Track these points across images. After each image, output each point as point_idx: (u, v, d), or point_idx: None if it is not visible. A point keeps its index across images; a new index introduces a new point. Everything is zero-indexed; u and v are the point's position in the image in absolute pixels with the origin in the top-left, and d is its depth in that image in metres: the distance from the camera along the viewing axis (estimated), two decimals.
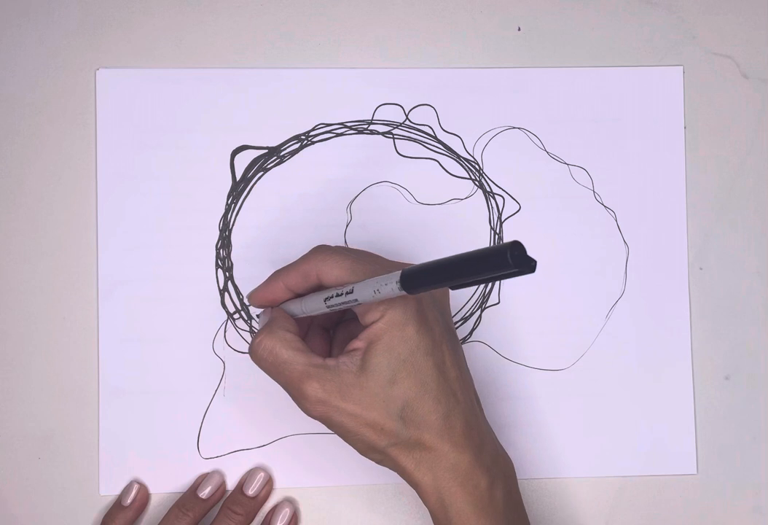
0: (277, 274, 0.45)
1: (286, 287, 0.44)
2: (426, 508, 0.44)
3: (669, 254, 0.55)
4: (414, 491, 0.43)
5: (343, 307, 0.42)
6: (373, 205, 0.54)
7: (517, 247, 0.34)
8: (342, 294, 0.41)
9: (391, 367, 0.41)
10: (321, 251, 0.44)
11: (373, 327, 0.42)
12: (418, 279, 0.38)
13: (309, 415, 0.43)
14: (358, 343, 0.42)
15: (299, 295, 0.45)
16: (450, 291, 0.46)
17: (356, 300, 0.41)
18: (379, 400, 0.41)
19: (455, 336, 0.45)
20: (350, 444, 0.43)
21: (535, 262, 0.35)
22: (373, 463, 0.44)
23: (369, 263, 0.42)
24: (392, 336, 0.41)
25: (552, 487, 0.53)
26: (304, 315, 0.45)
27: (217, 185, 0.54)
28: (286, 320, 0.44)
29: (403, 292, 0.38)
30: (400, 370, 0.41)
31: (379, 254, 0.46)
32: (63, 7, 0.54)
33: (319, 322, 0.48)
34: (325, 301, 0.43)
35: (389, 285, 0.39)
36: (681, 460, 0.54)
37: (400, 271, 0.38)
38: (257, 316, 0.53)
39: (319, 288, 0.44)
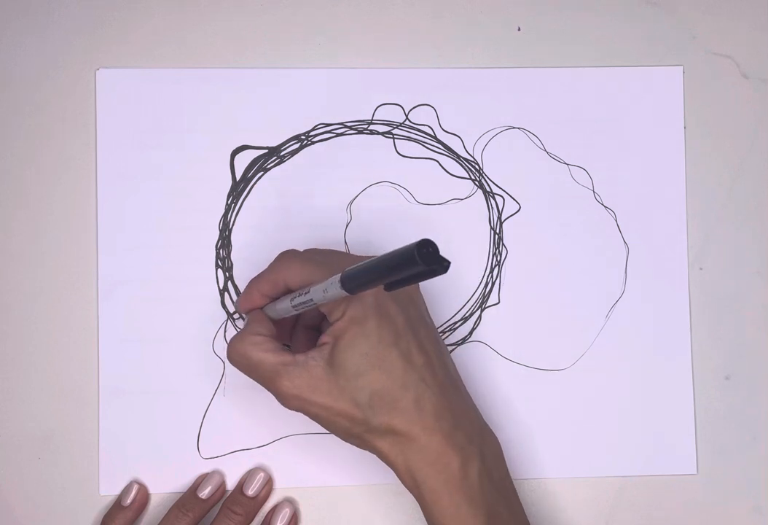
0: (251, 283, 0.47)
1: (261, 294, 0.47)
2: None
3: (669, 254, 0.55)
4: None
5: (306, 307, 0.44)
6: (373, 205, 0.54)
7: (426, 245, 0.34)
8: (302, 294, 0.44)
9: (354, 361, 0.43)
10: (286, 258, 0.46)
11: (337, 324, 0.44)
12: (353, 280, 0.39)
13: (288, 408, 0.45)
14: (325, 338, 0.44)
15: (276, 299, 0.47)
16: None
17: (312, 300, 0.43)
18: (346, 391, 0.43)
19: (426, 324, 0.46)
20: (330, 431, 0.45)
21: (449, 262, 0.35)
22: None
23: (331, 265, 0.44)
24: (354, 332, 0.43)
25: (552, 487, 0.53)
26: (280, 317, 0.47)
27: (217, 185, 0.54)
28: (258, 323, 0.46)
29: (345, 293, 0.40)
30: (363, 363, 0.43)
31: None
32: (63, 7, 0.54)
33: (304, 323, 0.50)
34: (291, 302, 0.45)
35: (334, 285, 0.40)
36: (681, 460, 0.54)
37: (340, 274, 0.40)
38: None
39: (291, 291, 0.46)
